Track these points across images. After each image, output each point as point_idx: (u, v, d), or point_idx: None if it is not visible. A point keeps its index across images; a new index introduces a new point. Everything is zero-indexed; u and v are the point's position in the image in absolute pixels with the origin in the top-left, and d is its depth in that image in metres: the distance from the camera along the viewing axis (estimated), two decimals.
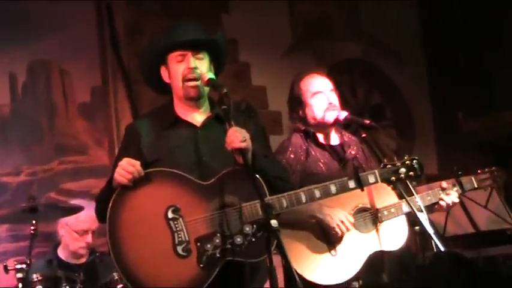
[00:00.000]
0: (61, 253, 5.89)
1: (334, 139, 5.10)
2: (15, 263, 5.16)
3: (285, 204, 4.00)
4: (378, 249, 4.78)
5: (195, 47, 4.09)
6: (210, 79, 4.03)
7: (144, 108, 6.83)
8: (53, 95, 6.96)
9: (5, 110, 6.74)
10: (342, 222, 4.71)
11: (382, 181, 4.32)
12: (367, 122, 4.88)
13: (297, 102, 5.06)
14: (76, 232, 5.80)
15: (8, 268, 5.15)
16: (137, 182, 3.88)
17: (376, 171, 4.31)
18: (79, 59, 7.07)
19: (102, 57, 7.16)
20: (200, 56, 4.10)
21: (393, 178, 4.33)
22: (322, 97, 4.98)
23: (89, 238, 5.83)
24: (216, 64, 4.22)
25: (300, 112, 5.04)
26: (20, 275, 5.08)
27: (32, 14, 6.86)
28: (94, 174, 6.87)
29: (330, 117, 4.95)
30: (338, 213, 4.73)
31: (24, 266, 5.10)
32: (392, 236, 4.83)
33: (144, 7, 7.40)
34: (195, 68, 4.06)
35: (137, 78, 6.99)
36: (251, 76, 7.95)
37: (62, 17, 6.99)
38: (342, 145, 5.08)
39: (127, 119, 6.95)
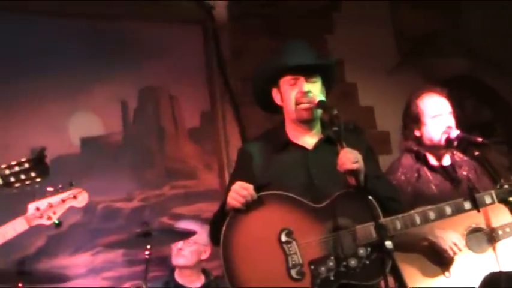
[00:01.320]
0: (177, 277, 5.98)
1: (446, 159, 5.01)
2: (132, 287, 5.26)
3: (399, 226, 3.96)
4: (494, 269, 4.67)
5: (308, 71, 4.09)
6: (320, 101, 4.02)
7: (252, 130, 6.86)
8: (162, 120, 7.06)
9: (117, 137, 6.85)
10: (455, 244, 4.63)
11: (499, 202, 4.23)
12: (480, 139, 4.78)
13: (413, 121, 4.97)
14: None
15: None
16: (250, 206, 3.92)
17: (492, 192, 4.23)
18: (187, 83, 7.15)
19: (210, 80, 7.22)
20: (313, 79, 4.10)
21: (511, 199, 4.23)
22: (441, 120, 4.90)
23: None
24: (325, 85, 4.20)
25: (415, 131, 4.96)
26: None
27: (139, 40, 6.97)
28: (204, 198, 6.92)
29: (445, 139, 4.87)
30: (450, 235, 4.66)
31: None
32: (509, 255, 4.71)
33: (249, 29, 7.45)
34: (308, 92, 4.05)
35: (245, 100, 7.04)
36: (358, 96, 7.91)
37: (169, 42, 7.08)
38: (453, 165, 5.00)
39: (236, 142, 6.99)
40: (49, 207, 4.52)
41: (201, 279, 5.99)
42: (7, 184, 3.40)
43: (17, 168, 3.42)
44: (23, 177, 3.43)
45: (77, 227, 6.47)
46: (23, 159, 3.44)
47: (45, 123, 6.55)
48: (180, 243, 5.92)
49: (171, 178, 6.95)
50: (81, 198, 4.67)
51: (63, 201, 4.58)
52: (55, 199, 4.55)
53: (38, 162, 3.48)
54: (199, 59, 7.26)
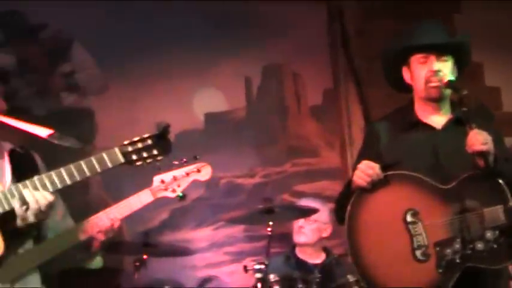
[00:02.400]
0: (299, 252, 6.02)
1: None
2: (254, 263, 5.30)
3: None
4: None
5: (439, 50, 4.02)
6: (449, 81, 3.95)
7: (374, 110, 6.82)
8: (285, 97, 7.08)
9: (240, 113, 6.93)
10: None
11: None
12: None
13: None
14: None
15: (247, 268, 5.30)
16: (376, 185, 3.89)
17: None
18: (310, 61, 7.15)
19: (333, 59, 7.20)
20: (444, 58, 4.03)
21: None
22: None
23: None
24: (456, 65, 4.12)
25: None
26: (258, 275, 5.21)
27: (264, 17, 7.00)
28: (326, 177, 6.93)
29: None
30: None
31: (263, 266, 5.23)
32: None
33: (374, 8, 7.37)
34: (438, 71, 3.98)
35: (368, 80, 6.99)
36: (484, 76, 7.75)
37: (293, 20, 7.09)
38: None
39: (358, 121, 6.97)
40: (173, 180, 4.56)
41: (322, 257, 6.00)
42: (129, 162, 3.40)
43: (139, 145, 3.41)
44: (145, 154, 3.42)
45: (199, 202, 6.57)
46: (145, 136, 3.43)
47: (171, 98, 6.68)
48: (301, 221, 5.94)
49: (293, 155, 6.98)
50: (205, 172, 4.70)
51: (188, 174, 4.61)
52: (179, 172, 4.59)
53: (161, 138, 3.48)
54: (323, 37, 7.24)
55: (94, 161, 3.30)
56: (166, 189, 4.54)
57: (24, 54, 6.60)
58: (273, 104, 7.04)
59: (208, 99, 6.78)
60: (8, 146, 3.85)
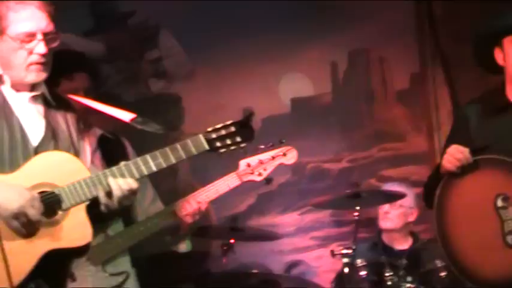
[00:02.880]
0: (385, 238, 6.00)
1: None
2: (341, 248, 5.30)
3: None
4: None
5: None
6: None
7: (462, 93, 6.71)
8: (371, 82, 7.03)
9: (326, 98, 6.91)
10: None
11: None
12: None
13: None
14: None
15: (335, 253, 5.30)
16: (465, 169, 3.84)
17: None
18: (397, 45, 7.06)
19: (420, 42, 7.10)
20: None
21: None
22: None
23: None
24: None
25: None
26: (346, 260, 5.21)
27: (350, 1, 6.94)
28: (413, 161, 6.85)
29: None
30: None
31: (350, 251, 5.22)
32: None
33: None
34: None
35: (456, 63, 6.88)
36: None
37: (379, 4, 6.99)
38: None
39: (446, 105, 6.87)
40: (260, 164, 4.59)
41: (409, 242, 5.96)
42: (213, 149, 3.40)
43: (223, 132, 3.39)
44: (228, 141, 3.41)
45: (286, 187, 6.61)
46: (228, 122, 3.42)
47: (256, 84, 6.73)
48: (386, 207, 5.90)
49: (380, 140, 6.93)
50: (291, 156, 4.70)
51: (273, 158, 4.63)
52: (265, 156, 4.61)
53: (244, 125, 3.46)
54: (410, 21, 7.13)
55: (179, 148, 3.30)
56: (252, 173, 4.57)
57: (113, 41, 6.73)
58: (359, 88, 7.00)
59: (294, 84, 6.79)
60: (97, 132, 3.92)
